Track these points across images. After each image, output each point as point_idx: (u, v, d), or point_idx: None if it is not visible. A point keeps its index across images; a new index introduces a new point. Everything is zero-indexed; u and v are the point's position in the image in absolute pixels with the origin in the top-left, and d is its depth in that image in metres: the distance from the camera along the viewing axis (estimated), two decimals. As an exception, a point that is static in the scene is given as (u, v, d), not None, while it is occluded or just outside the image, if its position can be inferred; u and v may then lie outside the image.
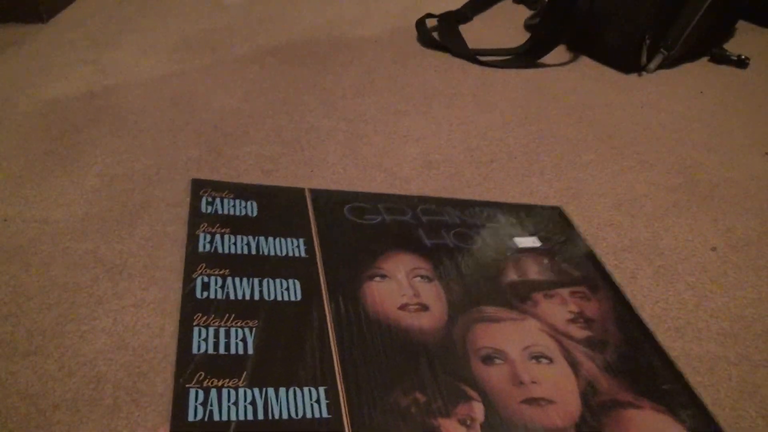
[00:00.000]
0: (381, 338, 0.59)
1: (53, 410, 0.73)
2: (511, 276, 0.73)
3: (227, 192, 0.71)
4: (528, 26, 1.81)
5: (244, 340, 0.55)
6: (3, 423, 0.71)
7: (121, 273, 0.90)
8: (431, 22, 1.78)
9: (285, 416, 0.50)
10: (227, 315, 0.57)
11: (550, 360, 0.62)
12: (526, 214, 0.87)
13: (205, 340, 0.54)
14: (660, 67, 1.58)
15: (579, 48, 1.68)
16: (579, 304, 0.72)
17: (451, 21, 1.79)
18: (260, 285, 0.61)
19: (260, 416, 0.49)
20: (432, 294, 0.65)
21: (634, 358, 0.66)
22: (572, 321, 0.68)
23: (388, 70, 1.53)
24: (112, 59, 1.46)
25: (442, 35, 1.71)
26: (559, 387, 0.59)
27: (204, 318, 0.56)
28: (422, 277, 0.67)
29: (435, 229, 0.75)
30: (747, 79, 1.59)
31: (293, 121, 1.28)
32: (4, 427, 0.71)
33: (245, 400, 0.50)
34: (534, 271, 0.76)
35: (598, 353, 0.65)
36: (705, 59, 1.66)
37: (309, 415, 0.51)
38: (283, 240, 0.67)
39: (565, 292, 0.73)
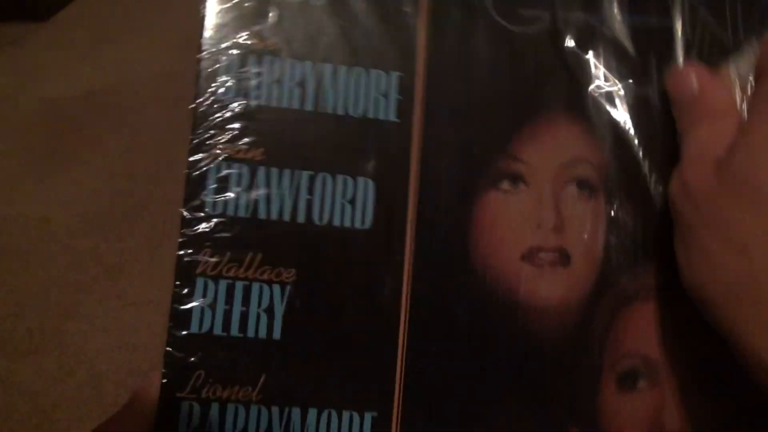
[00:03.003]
0: (480, 324, 0.37)
1: (53, 409, 0.73)
2: None
3: None
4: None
5: (270, 308, 0.36)
6: (4, 421, 0.71)
7: (121, 271, 0.90)
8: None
9: None
10: (251, 255, 0.36)
11: None
12: None
13: (212, 306, 0.35)
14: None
15: (579, 46, 1.68)
16: None
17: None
18: (310, 187, 0.37)
19: None
20: (586, 224, 0.39)
21: None
22: None
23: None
24: (112, 57, 1.46)
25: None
26: None
27: (214, 260, 0.35)
28: (581, 184, 0.39)
29: (642, 45, 0.42)
30: (747, 78, 1.59)
31: (293, 119, 1.28)
32: (4, 426, 0.71)
33: (258, 424, 0.34)
34: None
35: None
36: (705, 57, 1.66)
37: None
38: (363, 73, 0.39)
39: None
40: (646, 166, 0.40)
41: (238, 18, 0.38)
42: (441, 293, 0.37)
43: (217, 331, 0.35)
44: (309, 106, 0.38)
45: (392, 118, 0.38)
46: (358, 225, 0.37)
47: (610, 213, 0.39)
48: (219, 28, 0.38)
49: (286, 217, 0.37)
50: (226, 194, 0.36)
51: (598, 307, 0.38)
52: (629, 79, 0.41)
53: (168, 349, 0.34)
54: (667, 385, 0.38)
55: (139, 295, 0.87)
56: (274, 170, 0.37)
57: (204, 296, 0.35)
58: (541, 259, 0.38)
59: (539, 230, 0.39)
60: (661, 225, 0.39)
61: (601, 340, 0.38)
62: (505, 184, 0.39)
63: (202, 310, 0.35)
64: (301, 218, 0.37)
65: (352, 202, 0.38)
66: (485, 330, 0.37)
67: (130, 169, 1.11)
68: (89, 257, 0.92)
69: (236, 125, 0.37)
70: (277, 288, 0.36)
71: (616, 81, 0.41)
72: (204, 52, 0.38)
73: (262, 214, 0.37)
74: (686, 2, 0.42)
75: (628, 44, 0.41)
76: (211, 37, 0.38)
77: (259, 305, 0.36)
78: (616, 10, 0.41)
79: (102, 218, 1.00)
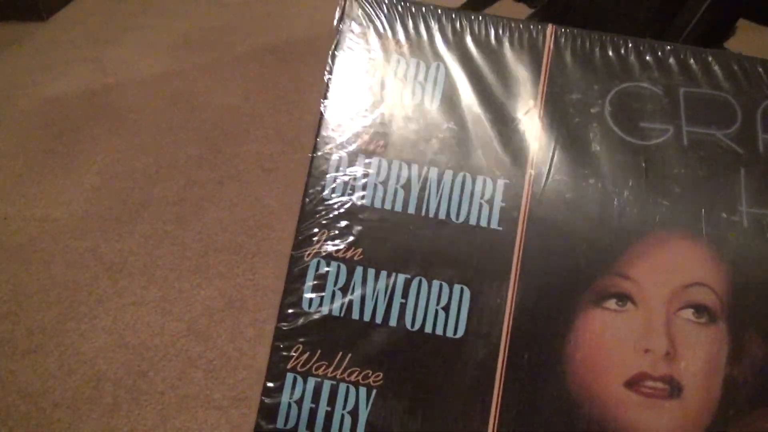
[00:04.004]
0: None
1: (53, 408, 0.73)
2: None
3: (401, 38, 0.37)
4: (528, 24, 1.80)
5: (355, 410, 0.35)
6: (3, 421, 0.71)
7: (120, 271, 0.90)
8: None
9: None
10: (341, 354, 0.36)
11: None
12: None
13: (298, 403, 0.35)
14: (660, 65, 1.57)
15: (579, 46, 1.67)
16: None
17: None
18: (405, 291, 0.36)
19: None
20: (702, 354, 0.34)
21: None
22: None
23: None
24: (112, 57, 1.46)
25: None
26: None
27: (305, 356, 0.35)
28: (699, 310, 0.34)
29: None
30: (747, 78, 1.58)
31: (293, 119, 1.28)
32: (4, 425, 0.71)
33: None
34: None
35: None
36: (705, 57, 1.66)
37: None
38: (469, 178, 0.37)
39: None
40: None
41: (351, 119, 0.39)
42: (533, 418, 0.35)
43: (302, 429, 0.36)
44: (411, 209, 0.38)
45: (494, 226, 0.37)
46: (450, 333, 0.36)
47: (732, 343, 0.34)
48: (334, 127, 0.39)
49: (378, 320, 0.37)
50: (323, 292, 0.37)
51: None
52: (761, 199, 0.37)
53: None
54: None
55: (139, 295, 0.87)
56: (371, 271, 0.37)
57: (292, 392, 0.36)
58: (648, 388, 0.35)
59: (648, 356, 0.35)
60: None
61: None
62: (611, 303, 0.36)
63: (289, 405, 0.35)
64: (393, 322, 0.36)
65: (446, 309, 0.36)
66: None
67: (130, 168, 1.11)
68: (89, 257, 0.92)
69: (339, 224, 0.38)
70: (363, 390, 0.36)
71: (745, 201, 0.37)
72: (318, 151, 0.39)
73: (355, 315, 0.37)
74: None
75: (761, 164, 0.37)
76: (325, 137, 0.39)
77: (344, 407, 0.35)
78: (747, 127, 0.37)
79: (102, 217, 1.00)
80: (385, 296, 0.37)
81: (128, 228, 0.98)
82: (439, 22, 0.38)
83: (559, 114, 0.37)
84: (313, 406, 0.35)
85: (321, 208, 0.38)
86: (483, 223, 0.37)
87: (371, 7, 0.41)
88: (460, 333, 0.36)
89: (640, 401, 0.34)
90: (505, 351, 0.35)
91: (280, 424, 0.35)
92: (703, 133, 0.37)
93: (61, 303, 0.85)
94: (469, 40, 0.37)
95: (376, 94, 0.40)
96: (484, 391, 0.34)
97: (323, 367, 0.36)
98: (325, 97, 0.40)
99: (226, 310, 0.85)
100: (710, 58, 0.37)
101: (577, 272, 0.36)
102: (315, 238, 0.37)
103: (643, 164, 0.37)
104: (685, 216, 0.36)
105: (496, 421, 0.34)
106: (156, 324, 0.83)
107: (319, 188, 0.38)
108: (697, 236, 0.36)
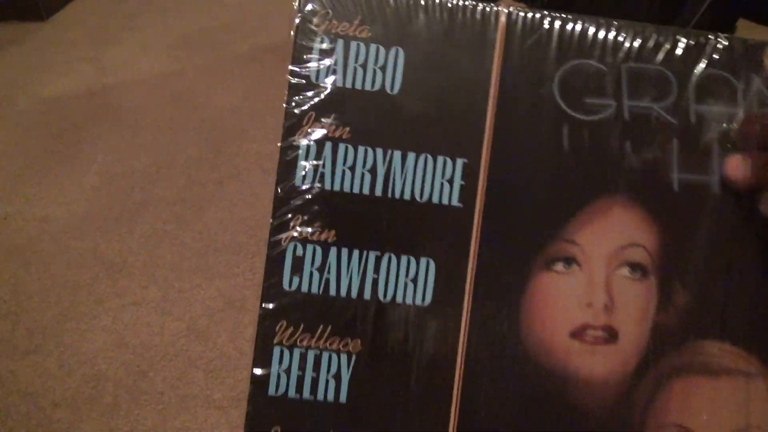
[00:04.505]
0: (527, 400, 0.39)
1: (53, 408, 0.73)
2: None
3: (359, 23, 0.39)
4: (528, 24, 1.80)
5: (338, 374, 0.40)
6: (3, 421, 0.71)
7: (120, 271, 0.90)
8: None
9: None
10: (322, 327, 0.40)
11: None
12: None
13: (287, 372, 0.39)
14: (660, 65, 1.58)
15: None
16: None
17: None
18: (376, 266, 0.40)
19: None
20: (635, 305, 0.40)
21: None
22: None
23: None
24: (112, 57, 1.46)
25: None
26: None
27: (289, 331, 0.40)
28: (633, 267, 0.40)
29: (704, 133, 0.41)
30: (747, 77, 1.58)
31: (293, 119, 1.28)
32: (4, 425, 0.71)
33: None
34: None
35: None
36: (705, 57, 1.66)
37: None
38: (429, 159, 0.40)
39: None
40: (701, 252, 0.41)
41: (316, 108, 0.40)
42: (493, 366, 0.39)
43: (291, 394, 0.39)
44: (378, 192, 0.40)
45: (455, 203, 0.40)
46: (419, 302, 0.39)
47: (660, 294, 0.40)
48: (299, 117, 0.40)
49: (354, 294, 0.40)
50: (301, 272, 0.39)
51: (641, 381, 0.39)
52: (690, 166, 0.41)
53: (249, 408, 0.39)
54: None
55: (139, 295, 0.87)
56: (345, 250, 0.40)
57: (280, 363, 0.39)
58: (589, 336, 0.39)
59: (589, 309, 0.40)
60: (711, 306, 0.40)
61: (643, 413, 0.39)
62: (559, 266, 0.40)
63: (279, 375, 0.39)
64: (367, 295, 0.39)
65: (415, 281, 0.40)
66: (533, 401, 0.39)
67: (130, 168, 1.11)
68: (89, 257, 0.92)
69: (312, 209, 0.40)
70: (344, 357, 0.39)
71: (677, 168, 0.41)
72: (285, 141, 0.40)
73: (332, 292, 0.40)
74: (752, 92, 0.41)
75: (691, 133, 0.41)
76: (291, 126, 0.40)
77: (328, 372, 0.39)
78: (682, 99, 0.41)
79: (102, 217, 1.00)
80: (358, 273, 0.41)
81: (128, 228, 0.98)
82: (395, 3, 0.40)
83: (512, 94, 0.41)
84: (300, 373, 0.39)
85: (293, 195, 0.40)
86: (444, 201, 0.41)
87: None
88: (428, 301, 0.40)
89: (583, 348, 0.40)
90: (467, 313, 0.40)
91: (271, 391, 0.39)
92: (642, 107, 0.41)
93: (61, 303, 0.85)
94: (423, 21, 0.39)
95: (338, 82, 0.41)
96: (450, 349, 0.39)
97: (306, 339, 0.40)
98: (289, 87, 0.41)
99: (226, 310, 0.85)
100: (650, 33, 0.41)
101: (530, 241, 0.40)
102: (290, 224, 0.40)
103: (588, 138, 0.41)
104: (625, 184, 0.41)
105: (461, 375, 0.39)
106: (156, 324, 0.83)
107: (290, 176, 0.40)
108: (634, 201, 0.41)
